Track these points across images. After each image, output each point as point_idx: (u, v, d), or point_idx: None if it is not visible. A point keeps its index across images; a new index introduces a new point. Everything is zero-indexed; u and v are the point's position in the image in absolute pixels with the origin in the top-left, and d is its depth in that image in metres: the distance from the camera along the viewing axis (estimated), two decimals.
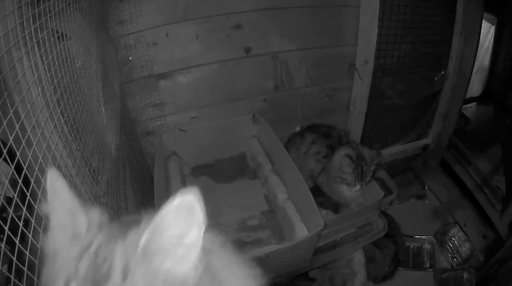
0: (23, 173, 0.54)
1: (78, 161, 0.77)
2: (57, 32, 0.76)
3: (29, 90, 0.64)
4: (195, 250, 0.39)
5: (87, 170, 0.82)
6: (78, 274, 0.36)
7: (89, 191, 0.78)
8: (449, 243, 1.81)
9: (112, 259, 0.37)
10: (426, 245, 1.80)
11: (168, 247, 0.38)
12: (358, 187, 1.39)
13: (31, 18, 0.64)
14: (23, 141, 0.55)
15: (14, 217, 0.48)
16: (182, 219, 0.37)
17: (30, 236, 0.51)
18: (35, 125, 0.61)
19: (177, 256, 0.39)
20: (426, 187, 2.08)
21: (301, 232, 1.26)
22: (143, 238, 0.38)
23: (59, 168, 0.68)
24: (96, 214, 0.41)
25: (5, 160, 0.51)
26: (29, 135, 0.58)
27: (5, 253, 0.46)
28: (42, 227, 0.53)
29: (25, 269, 0.49)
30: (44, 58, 0.69)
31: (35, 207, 0.53)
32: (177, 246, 0.39)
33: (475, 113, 2.28)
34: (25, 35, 0.63)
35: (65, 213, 0.39)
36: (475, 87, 2.25)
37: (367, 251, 1.63)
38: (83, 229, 0.39)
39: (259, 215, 1.45)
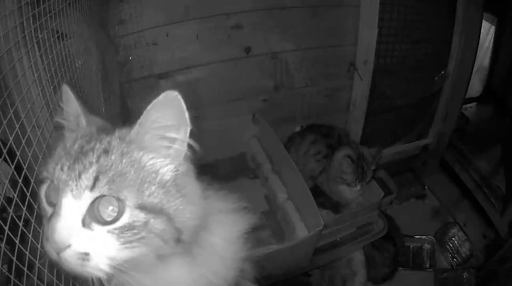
0: (23, 173, 0.54)
1: None
2: (57, 32, 0.76)
3: (29, 90, 0.64)
4: (182, 147, 0.46)
5: None
6: (68, 154, 0.44)
7: None
8: (449, 243, 1.81)
9: (96, 144, 0.44)
10: (426, 245, 1.79)
11: (154, 139, 0.45)
12: (358, 187, 1.39)
13: (31, 18, 0.64)
14: (23, 141, 0.55)
15: (14, 217, 0.48)
16: (169, 112, 0.44)
17: (30, 236, 0.51)
18: (35, 125, 0.61)
19: (158, 150, 0.46)
20: (426, 187, 2.08)
21: (301, 232, 1.26)
22: (133, 130, 0.45)
23: None
24: (97, 118, 0.51)
25: (5, 160, 0.51)
26: (29, 135, 0.58)
27: (5, 253, 0.46)
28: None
29: (25, 269, 0.49)
30: (44, 58, 0.69)
31: (35, 207, 0.53)
32: (163, 140, 0.45)
33: (475, 113, 2.27)
34: (25, 35, 0.63)
35: (73, 116, 0.49)
36: (475, 87, 2.24)
37: (366, 252, 1.63)
38: (84, 124, 0.48)
39: (259, 215, 1.45)
